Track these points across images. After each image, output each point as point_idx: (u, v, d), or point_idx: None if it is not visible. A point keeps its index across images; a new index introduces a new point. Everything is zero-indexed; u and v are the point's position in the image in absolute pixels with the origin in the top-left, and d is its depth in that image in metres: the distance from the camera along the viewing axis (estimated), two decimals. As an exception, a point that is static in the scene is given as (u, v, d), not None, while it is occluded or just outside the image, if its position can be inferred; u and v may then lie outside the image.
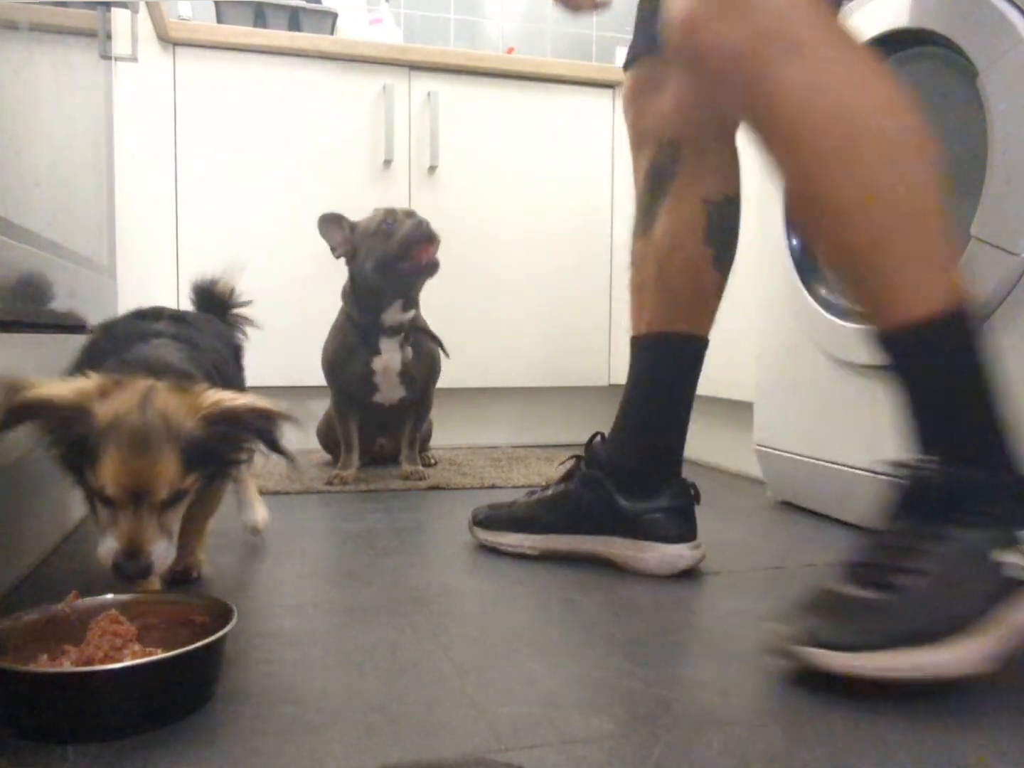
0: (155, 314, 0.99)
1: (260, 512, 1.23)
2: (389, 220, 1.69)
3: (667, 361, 1.12)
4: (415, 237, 1.65)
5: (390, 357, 1.74)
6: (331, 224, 1.73)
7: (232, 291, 1.17)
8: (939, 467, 0.76)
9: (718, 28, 0.76)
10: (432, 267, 1.69)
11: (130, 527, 0.74)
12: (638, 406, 1.13)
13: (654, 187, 1.11)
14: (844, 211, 0.76)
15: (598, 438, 1.16)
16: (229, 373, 0.99)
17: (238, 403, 0.79)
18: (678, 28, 0.80)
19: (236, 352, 1.13)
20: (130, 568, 0.73)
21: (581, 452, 1.18)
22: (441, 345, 1.84)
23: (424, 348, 1.81)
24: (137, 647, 0.70)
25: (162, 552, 0.76)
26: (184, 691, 0.67)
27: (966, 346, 0.75)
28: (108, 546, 0.75)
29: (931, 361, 0.76)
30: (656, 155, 1.11)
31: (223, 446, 0.81)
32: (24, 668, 0.66)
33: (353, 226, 1.74)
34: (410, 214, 1.72)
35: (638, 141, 1.15)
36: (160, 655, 0.68)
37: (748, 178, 1.71)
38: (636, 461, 1.11)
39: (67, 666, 0.68)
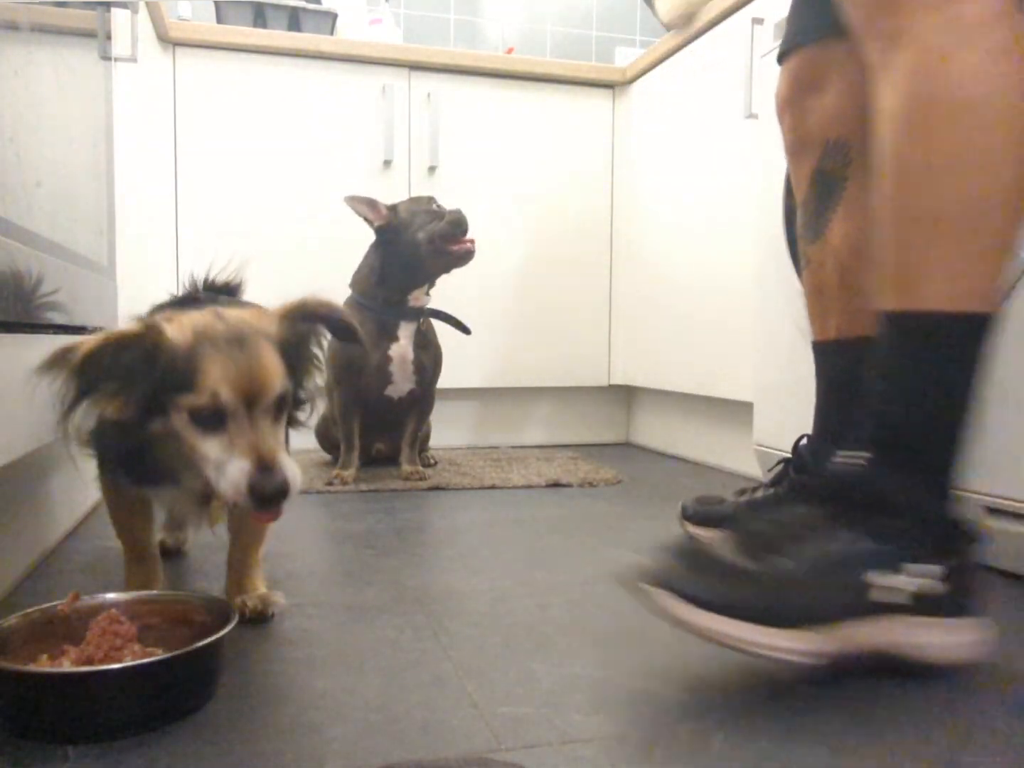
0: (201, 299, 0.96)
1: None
2: (436, 203, 1.80)
3: (864, 364, 1.11)
4: (463, 222, 1.77)
5: (407, 343, 1.78)
6: (362, 202, 1.77)
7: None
8: (869, 466, 0.75)
9: None
10: (472, 255, 1.78)
11: (254, 439, 0.67)
12: (838, 411, 1.11)
13: (822, 191, 1.07)
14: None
15: (804, 441, 1.16)
16: None
17: (312, 299, 0.79)
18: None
19: None
20: (270, 484, 0.66)
21: (788, 455, 1.19)
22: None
23: (431, 340, 1.85)
24: (137, 647, 0.70)
25: (293, 465, 0.69)
26: (184, 691, 0.67)
27: (969, 360, 0.74)
28: (238, 468, 0.67)
29: (930, 356, 0.74)
30: (823, 158, 1.07)
31: (303, 345, 0.79)
32: (24, 668, 0.66)
33: (393, 206, 1.79)
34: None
35: (799, 145, 1.11)
36: (160, 655, 0.68)
37: (748, 177, 1.72)
38: None
39: (67, 666, 0.68)
